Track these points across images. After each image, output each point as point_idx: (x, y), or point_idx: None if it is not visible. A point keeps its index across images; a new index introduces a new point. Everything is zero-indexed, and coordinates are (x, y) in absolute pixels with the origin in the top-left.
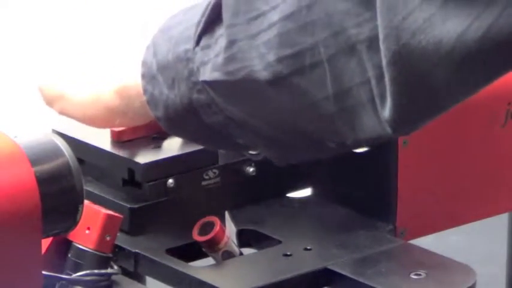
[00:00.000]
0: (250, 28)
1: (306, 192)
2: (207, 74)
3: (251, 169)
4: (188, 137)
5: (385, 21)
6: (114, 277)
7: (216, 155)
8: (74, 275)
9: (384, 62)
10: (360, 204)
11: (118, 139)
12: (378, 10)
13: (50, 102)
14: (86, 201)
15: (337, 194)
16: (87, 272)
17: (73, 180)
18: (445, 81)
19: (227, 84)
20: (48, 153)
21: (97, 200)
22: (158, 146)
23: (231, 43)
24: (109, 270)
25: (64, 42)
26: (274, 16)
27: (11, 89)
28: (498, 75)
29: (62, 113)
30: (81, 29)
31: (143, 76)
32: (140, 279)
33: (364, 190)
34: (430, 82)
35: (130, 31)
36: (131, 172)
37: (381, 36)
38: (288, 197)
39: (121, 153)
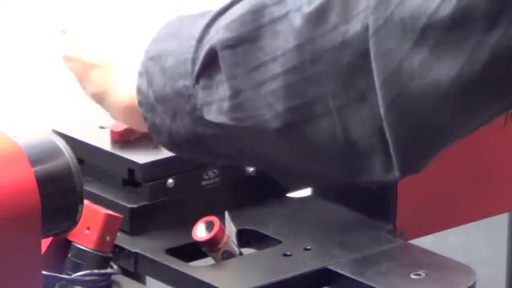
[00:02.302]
0: (252, 78)
1: (306, 192)
2: (213, 115)
3: (251, 169)
4: (196, 158)
5: (382, 66)
6: (114, 277)
7: None
8: (74, 275)
9: (383, 108)
10: (359, 204)
11: (118, 139)
12: (373, 57)
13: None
14: (86, 201)
15: (337, 194)
16: (87, 272)
17: (73, 180)
18: (448, 119)
19: (235, 128)
20: (48, 153)
21: (97, 200)
22: (158, 146)
23: (236, 93)
24: (109, 270)
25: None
26: (276, 68)
27: (11, 89)
28: (505, 107)
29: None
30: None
31: (140, 103)
32: (140, 279)
33: (364, 190)
34: (433, 121)
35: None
36: (131, 172)
37: (378, 82)
38: (288, 197)
39: (121, 153)
